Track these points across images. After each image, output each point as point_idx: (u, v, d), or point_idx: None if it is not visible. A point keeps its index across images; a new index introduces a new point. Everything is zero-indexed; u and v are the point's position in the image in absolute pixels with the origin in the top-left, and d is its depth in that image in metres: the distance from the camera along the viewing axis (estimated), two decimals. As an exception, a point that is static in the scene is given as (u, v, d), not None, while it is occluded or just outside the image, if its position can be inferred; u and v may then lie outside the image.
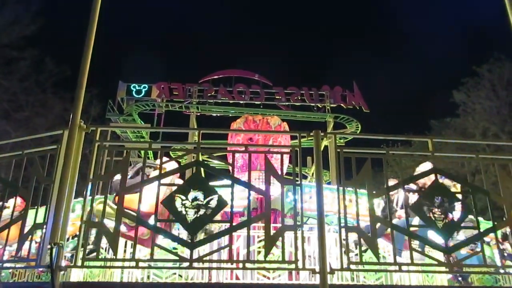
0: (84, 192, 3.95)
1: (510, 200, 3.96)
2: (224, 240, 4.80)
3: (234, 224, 3.71)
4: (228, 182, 3.78)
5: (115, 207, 3.75)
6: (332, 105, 24.48)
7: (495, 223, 4.00)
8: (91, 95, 24.45)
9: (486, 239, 6.13)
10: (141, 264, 4.54)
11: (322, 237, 3.57)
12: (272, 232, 3.68)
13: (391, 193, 4.83)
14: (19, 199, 4.11)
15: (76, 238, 5.52)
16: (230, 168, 4.05)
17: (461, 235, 4.93)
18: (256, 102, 24.57)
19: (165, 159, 4.26)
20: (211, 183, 3.79)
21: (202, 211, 3.57)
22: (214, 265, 6.33)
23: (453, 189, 4.73)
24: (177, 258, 3.97)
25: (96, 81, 23.80)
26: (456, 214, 3.97)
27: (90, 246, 4.28)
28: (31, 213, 3.73)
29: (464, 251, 5.32)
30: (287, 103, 24.70)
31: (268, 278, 8.10)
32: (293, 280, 8.12)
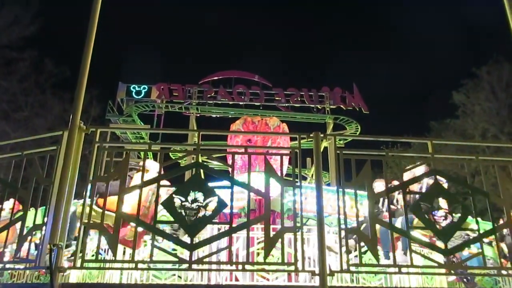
0: (84, 193, 3.94)
1: (509, 201, 3.95)
2: (222, 242, 4.78)
3: (232, 225, 3.70)
4: (227, 183, 3.78)
5: (98, 209, 3.74)
6: (331, 107, 24.47)
7: (495, 225, 4.00)
8: (91, 95, 24.54)
9: (486, 239, 6.14)
10: (140, 265, 4.53)
11: (321, 238, 3.56)
12: (271, 233, 3.67)
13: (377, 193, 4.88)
14: (12, 201, 4.12)
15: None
16: (230, 169, 4.05)
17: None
18: (255, 103, 24.56)
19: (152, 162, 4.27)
20: (210, 184, 3.79)
21: (201, 213, 3.56)
22: (214, 266, 6.32)
23: None
24: (176, 259, 3.95)
25: (96, 82, 23.86)
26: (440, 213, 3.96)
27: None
28: (29, 214, 3.73)
29: (466, 252, 5.33)
30: (286, 104, 24.69)
31: (268, 279, 8.09)
32: (292, 282, 8.11)
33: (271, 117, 13.32)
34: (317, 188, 3.81)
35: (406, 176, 4.30)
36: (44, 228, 3.51)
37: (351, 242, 5.29)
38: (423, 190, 4.70)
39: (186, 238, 3.66)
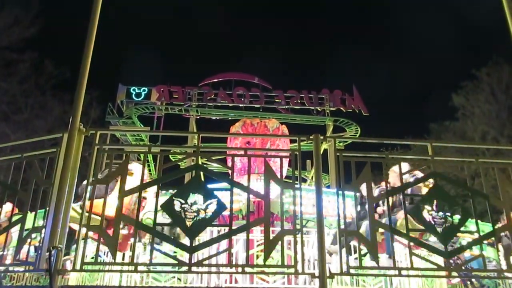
0: (83, 195, 3.94)
1: (509, 203, 3.95)
2: (221, 244, 4.78)
3: (232, 228, 3.70)
4: (227, 185, 3.78)
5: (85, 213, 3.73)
6: (331, 109, 24.50)
7: (495, 227, 4.00)
8: (91, 97, 24.50)
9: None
10: (140, 268, 4.52)
11: (321, 241, 3.56)
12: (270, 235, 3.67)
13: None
14: (10, 205, 4.11)
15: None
16: (229, 171, 4.04)
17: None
18: (255, 106, 24.59)
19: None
20: (209, 186, 3.79)
21: (201, 215, 3.56)
22: (213, 269, 6.32)
23: (424, 189, 4.72)
24: (176, 262, 3.95)
25: (96, 84, 23.84)
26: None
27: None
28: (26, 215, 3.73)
29: (467, 254, 5.33)
30: (286, 107, 24.73)
31: (267, 282, 8.08)
32: (292, 284, 8.10)
33: (270, 119, 13.33)
34: (316, 190, 3.80)
35: (391, 176, 4.32)
36: (43, 230, 3.51)
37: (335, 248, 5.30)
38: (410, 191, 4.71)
39: (185, 241, 3.64)
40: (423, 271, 4.82)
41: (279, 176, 3.89)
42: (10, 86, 22.78)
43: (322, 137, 4.04)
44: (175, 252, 4.96)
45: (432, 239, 4.43)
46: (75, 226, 3.70)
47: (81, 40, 4.19)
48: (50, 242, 3.36)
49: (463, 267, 5.50)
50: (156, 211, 3.67)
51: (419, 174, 4.86)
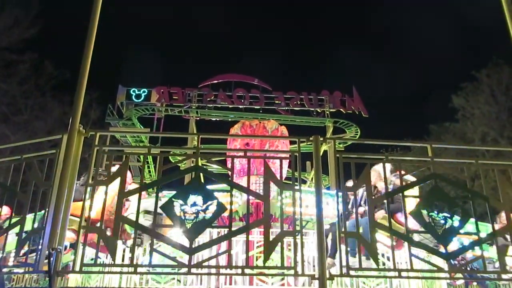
0: (83, 197, 3.93)
1: (509, 205, 3.95)
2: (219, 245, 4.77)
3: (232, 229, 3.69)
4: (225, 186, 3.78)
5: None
6: (331, 110, 24.48)
7: (495, 228, 4.00)
8: (91, 99, 24.53)
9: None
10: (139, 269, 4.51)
11: (321, 242, 3.56)
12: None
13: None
14: (6, 208, 4.11)
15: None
16: (229, 173, 4.04)
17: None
18: (255, 107, 24.59)
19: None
20: (209, 187, 3.79)
21: (201, 216, 3.56)
22: (213, 270, 6.31)
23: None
24: (175, 263, 3.94)
25: (95, 85, 23.86)
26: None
27: None
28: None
29: (470, 255, 5.31)
30: (286, 108, 24.72)
31: (266, 283, 8.08)
32: (292, 286, 8.09)
33: (269, 120, 13.31)
34: (316, 191, 3.80)
35: (372, 176, 4.33)
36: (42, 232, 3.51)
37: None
38: (390, 190, 4.70)
39: (186, 242, 3.64)
40: (423, 273, 4.80)
41: (278, 177, 3.89)
42: (10, 87, 22.78)
43: (322, 139, 4.03)
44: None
45: (416, 238, 4.43)
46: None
47: (81, 41, 4.19)
48: (49, 244, 3.35)
49: (468, 268, 5.52)
50: (138, 213, 3.66)
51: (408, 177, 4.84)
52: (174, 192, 3.68)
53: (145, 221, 3.86)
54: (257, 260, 7.97)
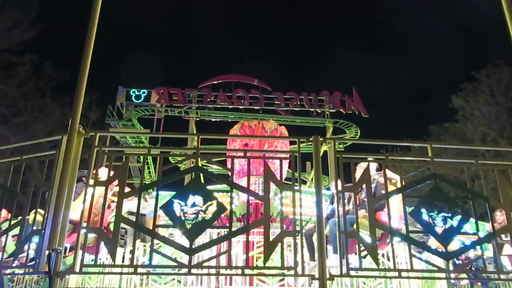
0: (83, 197, 3.93)
1: (509, 205, 3.95)
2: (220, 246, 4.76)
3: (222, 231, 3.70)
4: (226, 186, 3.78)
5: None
6: (331, 110, 24.47)
7: (495, 228, 3.99)
8: (91, 100, 24.53)
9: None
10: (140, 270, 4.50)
11: (321, 243, 3.55)
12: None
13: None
14: (4, 211, 4.11)
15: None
16: (229, 173, 4.04)
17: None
18: (255, 107, 24.58)
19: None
20: (209, 187, 3.79)
21: (201, 217, 3.56)
22: (213, 271, 6.31)
23: (390, 186, 4.69)
24: (176, 264, 3.94)
25: (95, 86, 23.86)
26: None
27: None
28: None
29: (472, 254, 5.31)
30: (286, 108, 24.72)
31: (265, 282, 8.08)
32: (292, 286, 8.09)
33: (268, 121, 13.32)
34: (316, 192, 3.80)
35: (358, 173, 4.32)
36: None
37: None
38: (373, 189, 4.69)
39: (186, 243, 3.64)
40: (424, 273, 4.80)
41: (277, 177, 3.89)
42: (9, 89, 22.77)
43: (321, 139, 4.04)
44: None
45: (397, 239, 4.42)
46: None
47: (81, 42, 4.19)
48: (49, 245, 3.35)
49: (473, 268, 5.52)
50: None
51: (389, 173, 4.82)
52: (164, 193, 3.68)
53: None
54: (257, 260, 7.97)
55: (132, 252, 3.65)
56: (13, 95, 22.97)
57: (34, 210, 3.91)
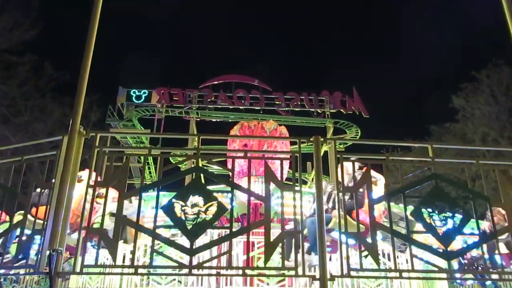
0: (84, 198, 3.93)
1: (510, 205, 3.94)
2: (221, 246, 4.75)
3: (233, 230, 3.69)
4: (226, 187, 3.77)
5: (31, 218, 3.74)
6: (331, 111, 24.45)
7: (496, 228, 3.99)
8: (91, 100, 24.51)
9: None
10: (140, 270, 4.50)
11: (321, 243, 3.55)
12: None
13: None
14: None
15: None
16: (229, 173, 4.04)
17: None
18: (256, 108, 24.58)
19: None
20: (209, 187, 3.79)
21: (201, 217, 3.55)
22: (214, 271, 6.30)
23: (374, 186, 4.67)
24: (176, 264, 3.94)
25: (96, 86, 23.85)
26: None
27: None
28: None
29: (475, 253, 5.30)
30: (286, 109, 24.71)
31: (263, 281, 8.08)
32: (292, 286, 8.09)
33: (268, 121, 13.30)
34: (317, 192, 3.79)
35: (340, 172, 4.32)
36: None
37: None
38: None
39: (186, 243, 3.64)
40: (424, 273, 4.79)
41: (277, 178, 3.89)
42: (10, 89, 22.77)
43: (322, 139, 4.04)
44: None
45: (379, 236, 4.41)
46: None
47: (81, 43, 4.19)
48: (50, 245, 3.35)
49: (479, 268, 5.51)
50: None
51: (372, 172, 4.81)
52: (151, 195, 3.68)
53: (111, 223, 3.83)
54: (258, 261, 7.97)
55: (133, 252, 3.64)
56: (13, 95, 22.97)
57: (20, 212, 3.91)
